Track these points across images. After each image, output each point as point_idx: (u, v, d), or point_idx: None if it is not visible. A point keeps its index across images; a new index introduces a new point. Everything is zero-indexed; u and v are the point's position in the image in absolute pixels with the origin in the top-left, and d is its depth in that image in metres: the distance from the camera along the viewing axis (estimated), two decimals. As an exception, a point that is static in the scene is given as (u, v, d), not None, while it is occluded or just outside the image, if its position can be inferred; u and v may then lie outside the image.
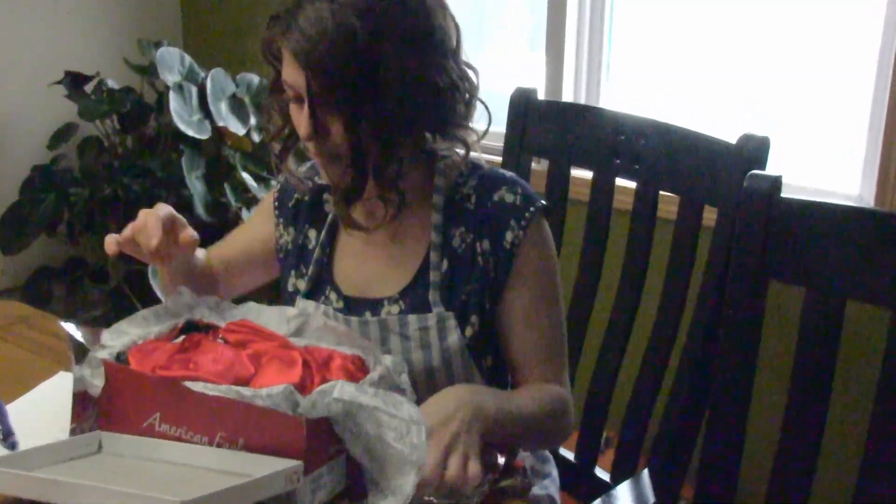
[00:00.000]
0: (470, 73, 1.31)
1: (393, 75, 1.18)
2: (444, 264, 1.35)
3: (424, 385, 1.32)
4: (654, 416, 1.61)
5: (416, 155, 1.33)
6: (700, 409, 1.50)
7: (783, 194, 1.26)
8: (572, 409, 1.40)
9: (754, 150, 1.45)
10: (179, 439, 1.05)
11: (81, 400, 1.12)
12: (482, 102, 1.36)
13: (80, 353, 1.12)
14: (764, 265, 1.26)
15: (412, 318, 1.34)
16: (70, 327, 1.14)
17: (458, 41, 1.29)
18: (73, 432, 1.12)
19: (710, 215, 1.53)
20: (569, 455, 1.71)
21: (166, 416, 1.06)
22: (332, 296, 1.41)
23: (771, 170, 1.39)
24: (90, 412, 1.11)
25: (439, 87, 1.24)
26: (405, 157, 1.28)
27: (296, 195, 1.48)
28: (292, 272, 1.46)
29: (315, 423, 1.01)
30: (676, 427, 1.56)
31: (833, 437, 1.39)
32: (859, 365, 1.70)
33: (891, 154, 2.05)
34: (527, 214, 1.35)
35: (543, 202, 1.38)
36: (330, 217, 1.44)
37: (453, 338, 1.34)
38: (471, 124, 1.34)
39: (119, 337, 1.17)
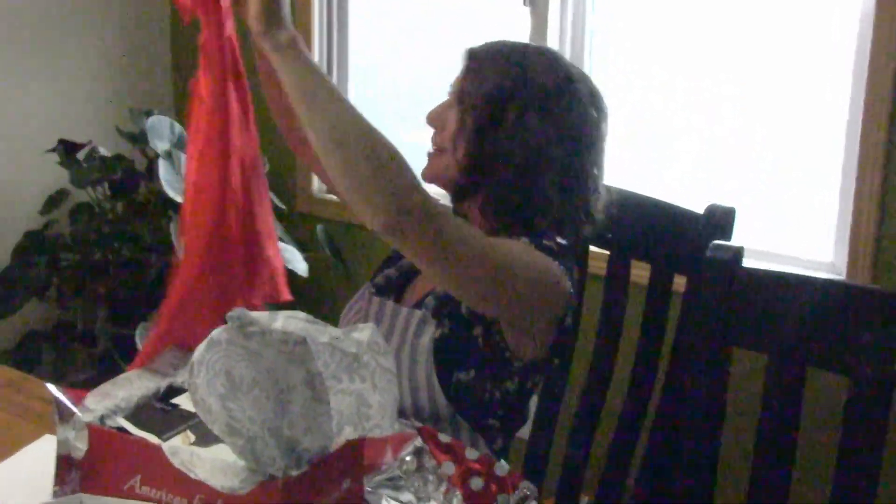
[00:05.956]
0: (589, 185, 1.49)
1: (513, 118, 1.44)
2: None
3: None
4: (631, 477, 1.64)
5: (490, 206, 1.49)
6: (673, 472, 1.53)
7: (758, 261, 1.31)
8: (418, 187, 1.27)
9: (720, 220, 1.51)
10: (159, 502, 1.07)
11: (65, 463, 1.14)
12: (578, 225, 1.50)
13: (65, 415, 1.15)
14: (726, 333, 1.30)
15: (404, 310, 1.47)
16: (55, 390, 1.17)
17: (594, 148, 1.50)
18: (55, 495, 1.14)
19: (681, 280, 1.58)
20: (546, 518, 1.73)
21: (146, 479, 1.09)
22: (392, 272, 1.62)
23: (738, 238, 1.45)
24: (73, 475, 1.14)
25: (542, 164, 1.45)
26: (485, 191, 1.48)
27: None
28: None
29: (292, 484, 1.04)
30: (651, 489, 1.59)
31: (797, 499, 1.42)
32: (821, 430, 1.73)
33: (860, 222, 2.10)
34: (548, 245, 1.44)
35: (569, 271, 1.43)
36: None
37: (426, 337, 1.43)
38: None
39: (103, 399, 1.20)
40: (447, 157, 1.49)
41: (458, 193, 1.53)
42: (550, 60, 1.49)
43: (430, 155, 1.53)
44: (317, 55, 2.98)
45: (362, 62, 3.00)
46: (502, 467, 1.23)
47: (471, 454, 1.25)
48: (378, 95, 3.03)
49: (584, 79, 1.51)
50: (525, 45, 1.54)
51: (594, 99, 1.50)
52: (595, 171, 1.50)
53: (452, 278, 1.33)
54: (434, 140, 1.52)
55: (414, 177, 1.27)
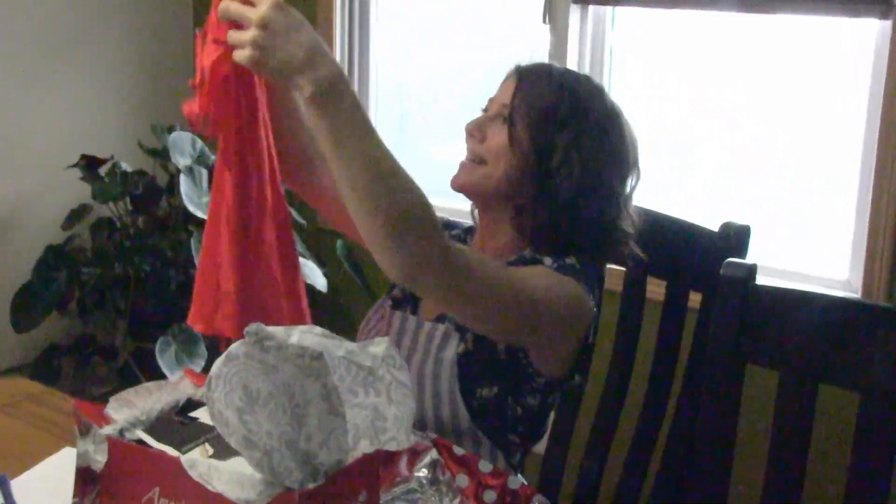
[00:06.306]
0: (627, 216, 1.50)
1: (568, 140, 1.44)
2: None
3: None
4: (644, 493, 1.64)
5: (529, 222, 1.49)
6: (687, 487, 1.53)
7: (773, 279, 1.31)
8: (448, 245, 1.26)
9: (735, 237, 1.51)
10: (178, 514, 1.09)
11: (84, 475, 1.16)
12: (630, 250, 1.52)
13: (85, 428, 1.16)
14: (739, 349, 1.30)
15: (427, 324, 1.48)
16: (75, 403, 1.18)
17: (630, 181, 1.51)
18: (74, 507, 1.16)
19: (697, 297, 1.59)
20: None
21: (165, 491, 1.10)
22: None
23: (753, 256, 1.46)
24: (92, 487, 1.15)
25: (592, 191, 1.45)
26: (527, 209, 1.47)
27: None
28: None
29: (309, 497, 1.05)
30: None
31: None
32: (832, 446, 1.73)
33: (876, 240, 2.10)
34: (571, 263, 1.44)
35: (590, 289, 1.44)
36: None
37: (450, 351, 1.43)
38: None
39: (124, 407, 1.22)
40: (486, 169, 1.48)
41: (489, 204, 1.53)
42: (600, 89, 1.51)
43: (464, 164, 1.51)
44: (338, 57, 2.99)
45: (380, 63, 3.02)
46: (515, 480, 1.24)
47: (484, 467, 1.26)
48: (386, 97, 3.03)
49: (623, 113, 1.52)
50: (573, 71, 1.57)
51: (632, 133, 1.52)
52: (632, 202, 1.52)
53: (475, 319, 1.36)
54: (473, 150, 1.50)
55: (437, 229, 1.25)
